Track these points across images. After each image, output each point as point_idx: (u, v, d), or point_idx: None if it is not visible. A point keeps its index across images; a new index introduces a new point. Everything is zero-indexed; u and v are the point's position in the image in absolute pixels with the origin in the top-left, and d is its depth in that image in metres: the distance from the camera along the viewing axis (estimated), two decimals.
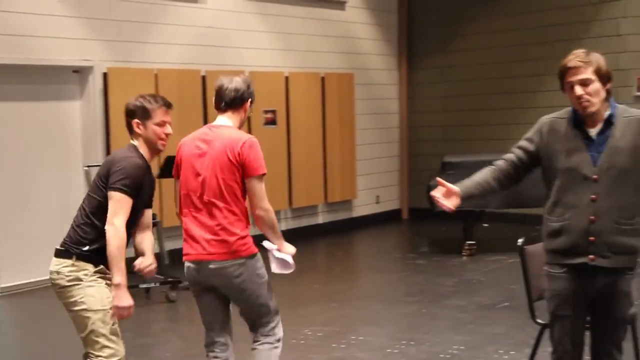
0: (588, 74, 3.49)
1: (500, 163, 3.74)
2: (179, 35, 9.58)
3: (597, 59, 3.53)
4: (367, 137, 12.17)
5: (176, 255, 9.32)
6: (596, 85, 3.50)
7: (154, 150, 4.10)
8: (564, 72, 3.54)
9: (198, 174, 4.14)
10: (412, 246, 10.72)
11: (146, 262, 4.06)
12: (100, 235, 3.85)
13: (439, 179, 3.76)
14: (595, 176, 3.50)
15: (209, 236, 4.09)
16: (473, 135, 12.22)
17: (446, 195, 3.68)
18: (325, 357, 5.82)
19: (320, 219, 11.51)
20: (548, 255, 3.65)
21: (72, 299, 3.89)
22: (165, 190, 9.10)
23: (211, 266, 4.12)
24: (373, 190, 12.36)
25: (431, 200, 10.30)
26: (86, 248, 3.90)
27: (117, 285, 3.81)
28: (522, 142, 3.71)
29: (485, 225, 10.34)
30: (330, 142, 11.38)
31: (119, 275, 3.79)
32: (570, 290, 3.57)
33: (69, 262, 3.90)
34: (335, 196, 11.55)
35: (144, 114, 4.04)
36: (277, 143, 10.61)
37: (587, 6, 11.03)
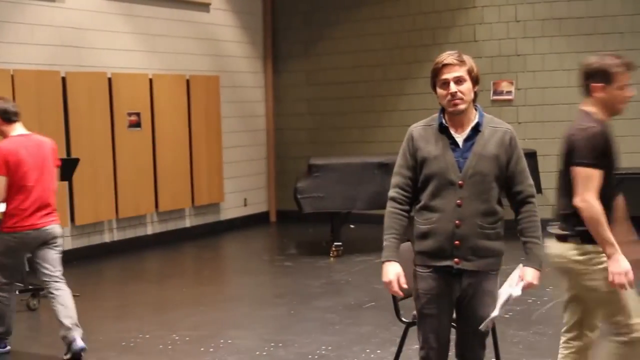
0: (462, 72, 3.60)
1: (396, 196, 3.72)
2: (37, 35, 9.24)
3: (470, 60, 3.66)
4: (234, 140, 12.13)
5: None
6: (469, 84, 3.62)
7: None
8: (439, 69, 3.61)
9: None
10: (280, 248, 10.76)
11: None
12: None
13: (395, 290, 3.65)
14: (460, 182, 3.60)
15: None
16: (338, 137, 12.40)
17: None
18: None
19: (188, 222, 11.38)
20: (416, 256, 3.74)
21: None
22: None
23: None
24: (241, 193, 12.34)
25: (298, 202, 10.40)
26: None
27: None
28: (402, 160, 3.73)
29: (352, 226, 10.51)
30: (197, 145, 11.28)
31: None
32: (436, 289, 3.67)
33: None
34: (203, 199, 11.46)
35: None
36: (142, 146, 10.42)
37: (445, 12, 11.39)
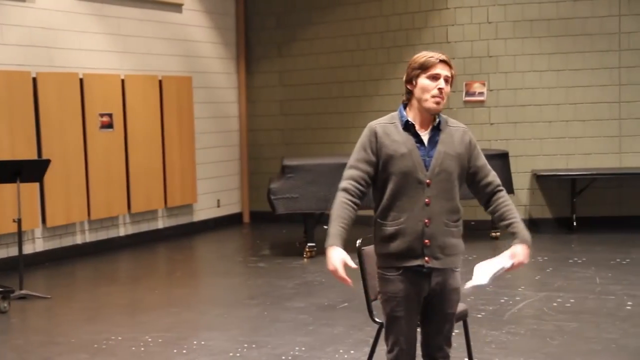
0: (450, 73, 3.66)
1: (349, 187, 3.68)
2: (7, 36, 9.15)
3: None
4: (207, 141, 12.10)
5: (9, 262, 8.93)
6: (449, 87, 3.68)
7: None
8: (434, 63, 3.61)
9: None
10: (253, 249, 10.74)
11: None
12: None
13: (341, 276, 3.58)
14: (428, 180, 3.62)
15: None
16: (311, 138, 12.41)
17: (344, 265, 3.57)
18: None
19: (161, 223, 11.33)
20: (381, 258, 3.72)
21: None
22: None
23: None
24: (214, 194, 12.31)
25: (272, 203, 10.40)
26: None
27: None
28: (361, 154, 3.70)
29: (325, 227, 10.50)
30: (169, 145, 11.23)
31: None
32: (405, 291, 3.67)
33: None
34: (176, 200, 11.41)
35: None
36: (114, 147, 10.36)
37: (418, 14, 11.44)
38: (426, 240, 3.62)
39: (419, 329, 3.84)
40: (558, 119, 11.00)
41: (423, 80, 3.63)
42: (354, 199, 3.68)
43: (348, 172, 3.73)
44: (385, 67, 11.70)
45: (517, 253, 3.68)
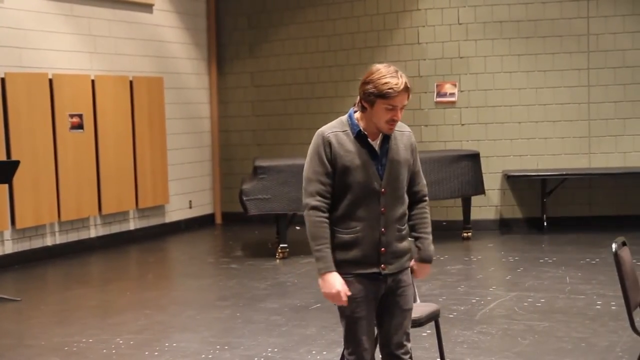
0: (407, 100, 3.60)
1: (319, 205, 3.66)
2: None
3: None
4: (179, 142, 12.06)
5: None
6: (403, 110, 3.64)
7: None
8: (393, 95, 3.53)
9: None
10: (225, 250, 10.72)
11: None
12: None
13: (344, 300, 3.64)
14: (383, 189, 3.65)
15: None
16: (283, 139, 12.41)
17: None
18: None
19: (132, 225, 11.27)
20: (338, 265, 3.70)
21: None
22: None
23: None
24: (186, 195, 12.26)
25: (244, 204, 10.38)
26: None
27: None
28: (319, 167, 3.65)
29: (298, 228, 10.52)
30: (141, 146, 11.17)
31: None
32: (364, 292, 3.70)
33: None
34: (147, 202, 11.35)
35: None
36: (85, 148, 10.29)
37: (389, 14, 11.47)
38: (382, 249, 3.67)
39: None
40: (528, 120, 11.09)
41: (380, 108, 3.56)
42: (325, 215, 3.67)
43: (312, 187, 3.67)
44: (357, 68, 11.72)
45: (415, 270, 3.86)
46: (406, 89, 3.57)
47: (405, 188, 3.75)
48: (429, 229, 3.87)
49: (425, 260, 3.84)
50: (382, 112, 3.58)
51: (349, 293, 3.66)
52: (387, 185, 3.66)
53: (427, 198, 3.89)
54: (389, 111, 3.57)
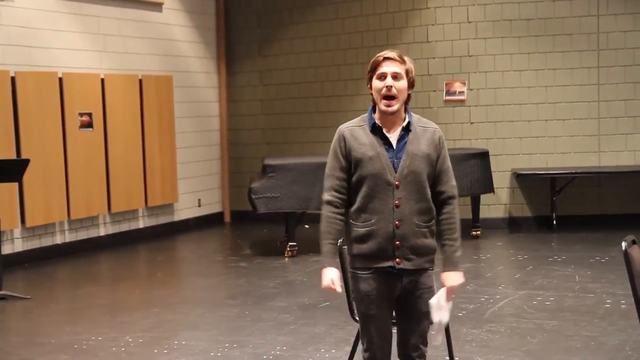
0: (401, 69, 3.63)
1: (332, 200, 3.72)
2: None
3: (410, 62, 3.70)
4: (188, 140, 12.07)
5: None
6: (404, 83, 3.64)
7: None
8: (379, 62, 3.64)
9: None
10: (234, 249, 10.73)
11: None
12: None
13: (331, 286, 3.72)
14: (397, 182, 3.64)
15: None
16: (293, 138, 12.41)
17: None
18: None
19: (141, 223, 11.29)
20: (353, 259, 3.76)
21: None
22: None
23: None
24: (195, 193, 12.28)
25: (253, 203, 10.38)
26: None
27: None
28: (334, 162, 3.74)
29: (307, 226, 10.52)
30: (150, 145, 11.19)
31: None
32: (378, 289, 3.70)
33: None
34: (156, 200, 11.37)
35: None
36: (94, 147, 10.31)
37: (399, 13, 11.47)
38: (397, 242, 3.65)
39: (394, 328, 3.86)
40: (538, 118, 11.06)
41: (374, 82, 3.67)
42: (339, 210, 3.73)
43: (328, 183, 3.78)
44: (366, 67, 11.55)
45: (447, 280, 3.74)
46: (395, 57, 3.63)
47: (427, 184, 3.69)
48: (456, 234, 3.75)
49: (451, 268, 3.74)
50: (376, 86, 3.65)
51: (339, 290, 3.72)
52: (402, 178, 3.64)
53: (453, 200, 3.76)
54: (381, 82, 3.63)
